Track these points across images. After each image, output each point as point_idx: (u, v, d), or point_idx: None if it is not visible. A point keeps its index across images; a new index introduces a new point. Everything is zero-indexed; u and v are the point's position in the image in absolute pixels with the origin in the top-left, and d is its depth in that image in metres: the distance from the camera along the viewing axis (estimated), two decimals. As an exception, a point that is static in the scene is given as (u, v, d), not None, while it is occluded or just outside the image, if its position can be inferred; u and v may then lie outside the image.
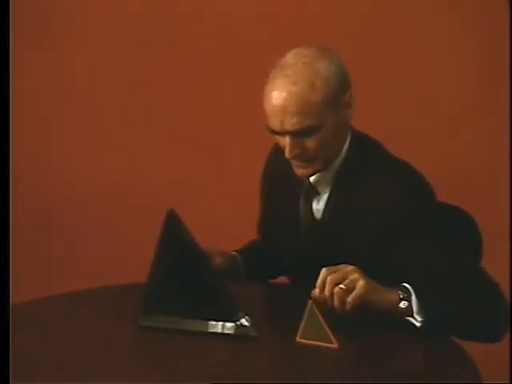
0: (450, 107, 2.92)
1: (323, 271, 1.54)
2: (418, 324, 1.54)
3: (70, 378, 1.42)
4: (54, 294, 1.89)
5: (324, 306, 1.53)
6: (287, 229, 1.86)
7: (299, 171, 1.75)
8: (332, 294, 1.52)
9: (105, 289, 1.92)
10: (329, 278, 1.53)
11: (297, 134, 1.67)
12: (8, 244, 1.70)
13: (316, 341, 1.48)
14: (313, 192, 1.79)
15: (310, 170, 1.73)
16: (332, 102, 1.67)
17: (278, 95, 1.65)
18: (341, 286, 1.51)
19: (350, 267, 1.54)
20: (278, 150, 1.81)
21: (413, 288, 1.56)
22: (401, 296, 1.54)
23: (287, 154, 1.69)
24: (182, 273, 1.62)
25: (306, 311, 1.50)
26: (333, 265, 1.58)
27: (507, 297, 1.63)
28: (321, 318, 1.50)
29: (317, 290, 1.53)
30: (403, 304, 1.54)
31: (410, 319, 1.55)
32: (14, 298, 1.78)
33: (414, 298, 1.54)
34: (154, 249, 1.64)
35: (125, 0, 3.07)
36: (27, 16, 3.05)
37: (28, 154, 3.14)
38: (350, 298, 1.51)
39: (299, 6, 2.93)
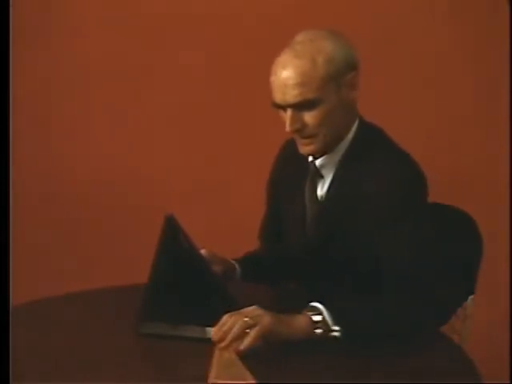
0: (450, 107, 2.92)
1: (224, 316, 1.51)
2: (337, 334, 1.53)
3: (70, 378, 1.43)
4: (53, 295, 1.89)
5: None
6: (295, 221, 1.87)
7: (302, 148, 1.77)
8: (231, 329, 1.47)
9: (105, 290, 1.92)
10: (231, 318, 1.49)
11: (297, 107, 1.70)
12: (8, 244, 1.70)
13: (232, 380, 1.38)
14: (318, 176, 1.81)
15: (312, 147, 1.75)
16: (334, 79, 1.70)
17: (282, 69, 1.70)
18: (245, 319, 1.48)
19: (252, 307, 1.51)
20: (285, 145, 1.88)
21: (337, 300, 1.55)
22: (314, 319, 1.52)
23: (287, 127, 1.72)
24: (182, 279, 1.62)
25: (216, 350, 1.46)
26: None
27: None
28: (234, 355, 1.45)
29: (215, 334, 1.49)
30: (318, 331, 1.52)
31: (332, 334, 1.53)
32: (14, 298, 1.78)
33: (326, 315, 1.52)
34: (154, 251, 1.64)
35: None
36: (27, 15, 3.05)
37: (28, 153, 3.14)
38: (253, 331, 1.47)
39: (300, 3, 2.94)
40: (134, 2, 3.06)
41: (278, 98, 1.71)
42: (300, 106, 1.70)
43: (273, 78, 1.72)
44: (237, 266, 1.90)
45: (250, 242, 2.04)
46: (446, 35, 2.89)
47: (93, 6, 3.06)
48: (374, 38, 2.90)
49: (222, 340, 1.48)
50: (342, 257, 1.74)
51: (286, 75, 1.69)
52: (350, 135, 1.78)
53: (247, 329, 1.48)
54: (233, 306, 1.54)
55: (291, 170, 1.90)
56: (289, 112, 1.71)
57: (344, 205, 1.74)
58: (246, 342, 1.47)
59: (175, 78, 3.06)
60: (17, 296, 1.89)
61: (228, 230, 2.93)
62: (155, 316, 1.60)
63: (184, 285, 1.61)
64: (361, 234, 1.70)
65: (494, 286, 2.66)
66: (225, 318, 1.51)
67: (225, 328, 1.49)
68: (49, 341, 1.61)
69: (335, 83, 1.71)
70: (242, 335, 1.48)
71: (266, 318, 1.49)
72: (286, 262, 1.92)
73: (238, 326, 1.48)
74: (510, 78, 2.80)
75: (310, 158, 1.81)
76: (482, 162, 2.93)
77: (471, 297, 1.95)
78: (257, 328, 1.48)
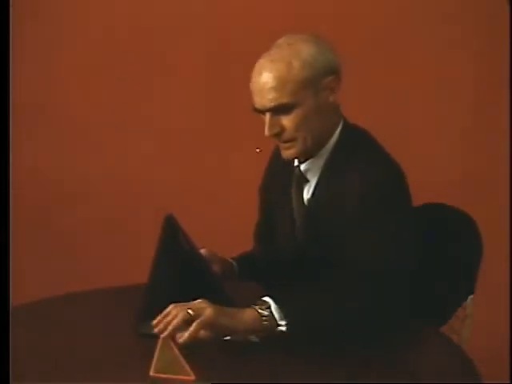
0: (450, 107, 2.92)
1: (169, 306, 1.50)
2: (283, 328, 1.51)
3: (70, 378, 1.43)
4: (53, 295, 1.89)
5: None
6: (284, 224, 1.87)
7: (283, 153, 1.77)
8: (175, 318, 1.47)
9: (105, 290, 1.92)
10: (175, 309, 1.49)
11: (274, 111, 1.70)
12: (8, 244, 1.70)
13: (171, 374, 1.41)
14: (303, 180, 1.81)
15: (292, 151, 1.74)
16: (312, 83, 1.70)
17: (259, 73, 1.70)
18: (188, 310, 1.48)
19: (198, 300, 1.50)
20: (277, 150, 1.84)
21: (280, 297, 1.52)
22: (261, 313, 1.51)
23: (266, 132, 1.73)
24: (182, 279, 1.61)
25: (159, 344, 1.46)
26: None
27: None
28: (176, 350, 1.44)
29: (157, 324, 1.48)
30: (265, 321, 1.50)
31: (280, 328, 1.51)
32: (14, 298, 1.78)
33: (274, 307, 1.51)
34: (154, 251, 1.63)
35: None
36: (28, 15, 3.06)
37: (28, 153, 3.14)
38: (195, 323, 1.46)
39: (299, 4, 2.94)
40: (133, 2, 3.06)
41: (257, 102, 1.72)
42: (277, 111, 1.70)
43: (252, 84, 1.73)
44: (235, 264, 1.91)
45: (249, 242, 2.04)
46: (446, 35, 2.89)
47: (92, 6, 3.07)
48: (374, 38, 2.90)
49: (163, 330, 1.47)
50: (331, 258, 1.72)
51: (263, 80, 1.69)
52: (334, 139, 1.76)
53: (190, 321, 1.46)
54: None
55: (281, 175, 1.90)
56: (267, 116, 1.71)
57: (328, 207, 1.74)
58: (187, 335, 1.46)
59: (175, 78, 3.07)
60: (17, 296, 1.89)
61: (228, 230, 2.93)
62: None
63: (184, 285, 1.61)
64: (345, 235, 1.68)
65: (494, 286, 2.65)
66: (169, 308, 1.50)
67: (168, 318, 1.48)
68: (49, 341, 1.61)
69: (313, 87, 1.70)
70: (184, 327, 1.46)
71: (209, 310, 1.48)
72: (278, 264, 1.92)
73: (180, 317, 1.47)
74: (510, 78, 2.80)
75: (296, 163, 1.81)
76: (482, 162, 2.93)
77: (471, 297, 1.95)
78: (198, 320, 1.47)
